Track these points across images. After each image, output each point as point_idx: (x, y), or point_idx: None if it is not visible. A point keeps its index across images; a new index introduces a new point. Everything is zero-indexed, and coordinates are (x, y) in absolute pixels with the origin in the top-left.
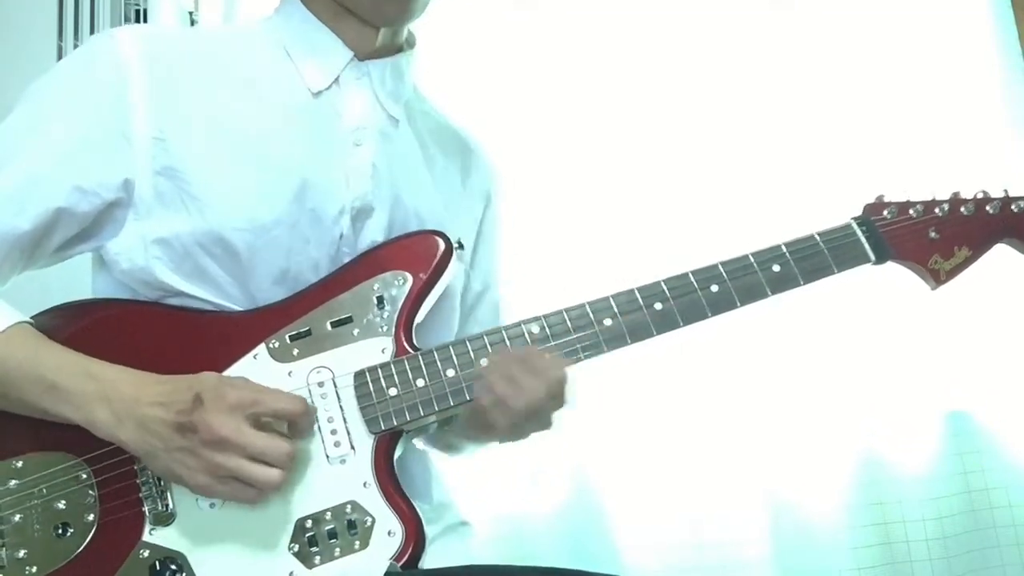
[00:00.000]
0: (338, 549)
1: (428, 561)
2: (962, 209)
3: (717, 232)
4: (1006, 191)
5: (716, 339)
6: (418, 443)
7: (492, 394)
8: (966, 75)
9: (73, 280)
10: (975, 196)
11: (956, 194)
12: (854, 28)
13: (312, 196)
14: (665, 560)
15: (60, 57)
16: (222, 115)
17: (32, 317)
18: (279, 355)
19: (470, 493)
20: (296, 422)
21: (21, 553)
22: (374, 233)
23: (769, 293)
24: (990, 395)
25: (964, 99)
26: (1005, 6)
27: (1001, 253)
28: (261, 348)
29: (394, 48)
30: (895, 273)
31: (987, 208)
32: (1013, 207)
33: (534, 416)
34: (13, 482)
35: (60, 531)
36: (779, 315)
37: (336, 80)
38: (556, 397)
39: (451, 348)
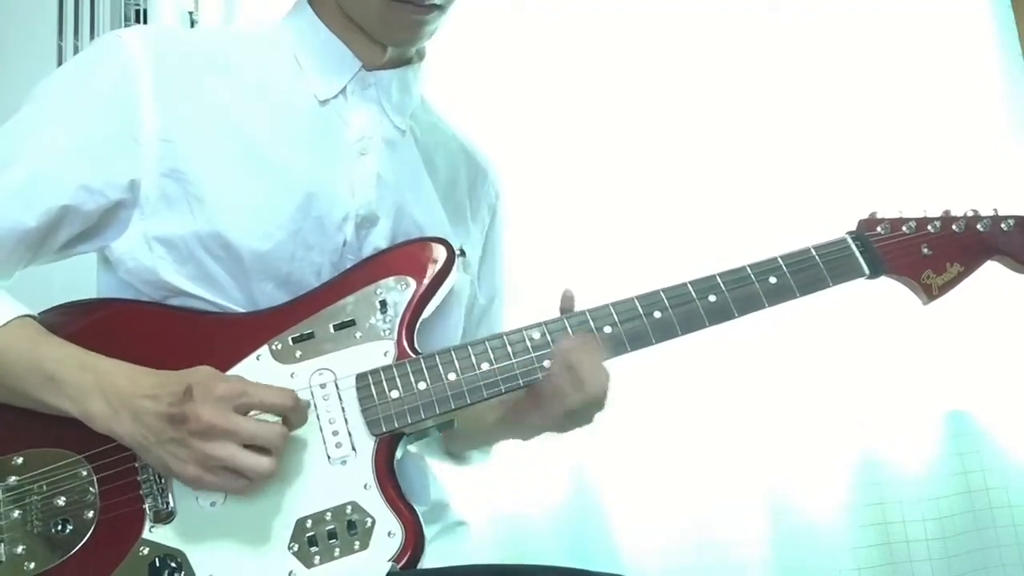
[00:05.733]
0: (338, 549)
1: (426, 561)
2: (953, 227)
3: (716, 240)
4: (995, 210)
5: (716, 340)
6: (412, 448)
7: (575, 378)
8: (966, 75)
9: (78, 279)
10: (966, 214)
11: (948, 212)
12: (854, 29)
13: (316, 203)
14: (665, 560)
15: (60, 57)
16: (229, 119)
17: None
18: (282, 356)
19: (470, 493)
20: (287, 416)
21: (20, 549)
22: (378, 241)
23: (766, 304)
24: (990, 395)
25: (964, 100)
26: (1005, 6)
27: (993, 267)
28: (264, 349)
29: (403, 60)
30: (889, 287)
31: (978, 226)
32: (1003, 225)
33: (592, 408)
34: (13, 478)
35: (59, 528)
36: (779, 316)
37: (343, 90)
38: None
39: (453, 352)
